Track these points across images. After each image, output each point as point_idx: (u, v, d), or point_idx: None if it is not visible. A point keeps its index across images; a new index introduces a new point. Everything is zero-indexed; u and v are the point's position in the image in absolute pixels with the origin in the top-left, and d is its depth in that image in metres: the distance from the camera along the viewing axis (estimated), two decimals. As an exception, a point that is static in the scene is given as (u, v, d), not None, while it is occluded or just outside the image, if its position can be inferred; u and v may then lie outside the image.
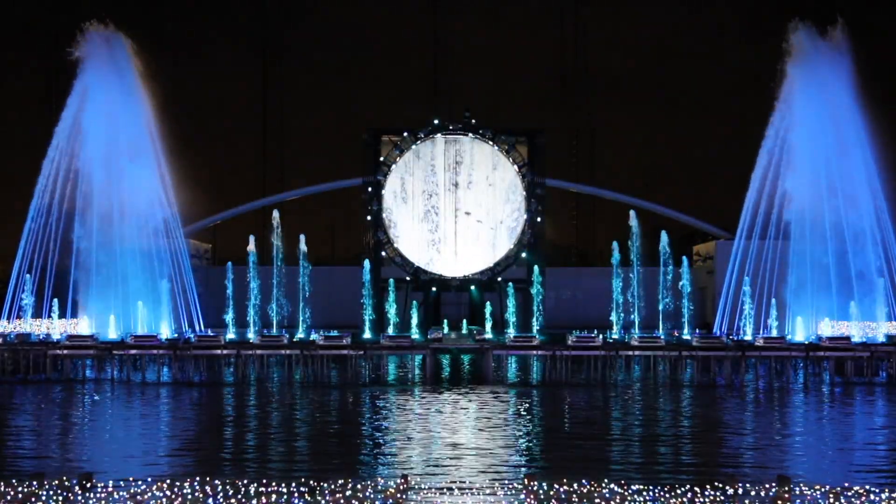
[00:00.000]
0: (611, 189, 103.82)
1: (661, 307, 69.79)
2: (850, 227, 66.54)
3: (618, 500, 21.58)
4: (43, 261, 66.79)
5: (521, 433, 39.18)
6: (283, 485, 22.12)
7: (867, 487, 21.97)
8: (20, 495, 21.23)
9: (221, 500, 21.44)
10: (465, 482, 26.44)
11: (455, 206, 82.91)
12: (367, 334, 68.54)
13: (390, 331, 67.88)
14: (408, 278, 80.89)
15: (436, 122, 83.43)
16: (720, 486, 22.13)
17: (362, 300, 72.35)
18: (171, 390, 52.99)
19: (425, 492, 23.20)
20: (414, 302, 74.61)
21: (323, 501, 21.28)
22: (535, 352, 59.06)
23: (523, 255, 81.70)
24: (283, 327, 66.94)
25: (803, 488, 22.46)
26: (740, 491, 22.15)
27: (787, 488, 22.19)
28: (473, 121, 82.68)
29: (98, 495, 21.67)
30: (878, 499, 21.34)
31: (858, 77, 66.90)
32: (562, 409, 47.44)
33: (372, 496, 21.78)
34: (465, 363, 67.31)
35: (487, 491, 23.77)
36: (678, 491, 21.89)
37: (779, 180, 68.51)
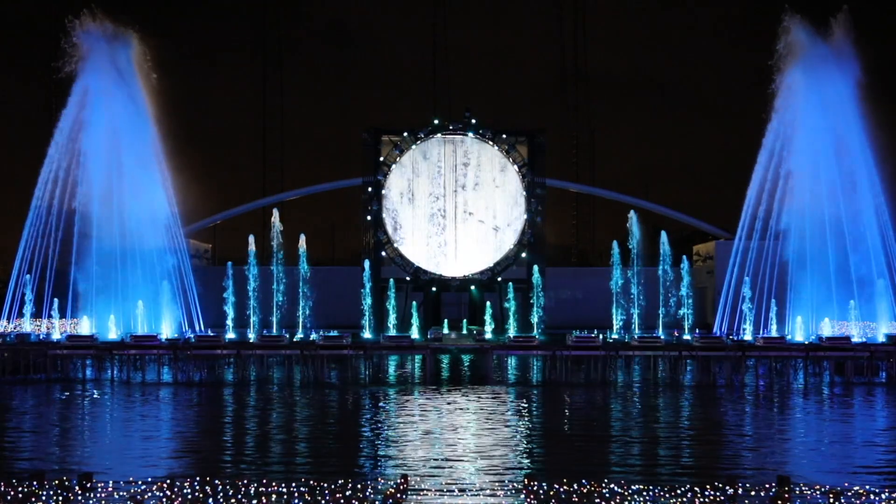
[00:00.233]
0: (611, 189, 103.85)
1: (660, 307, 69.80)
2: (850, 227, 66.54)
3: (618, 500, 21.59)
4: (43, 261, 66.80)
5: (520, 433, 39.18)
6: (283, 485, 22.14)
7: (867, 488, 21.99)
8: (20, 495, 21.24)
9: (221, 500, 21.44)
10: (464, 482, 26.44)
11: (462, 209, 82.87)
12: (367, 334, 68.55)
13: (390, 331, 67.87)
14: (408, 278, 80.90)
15: (436, 122, 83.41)
16: (720, 486, 22.14)
17: (362, 300, 72.38)
18: (171, 390, 52.99)
19: (425, 492, 23.22)
20: (414, 302, 74.61)
21: (323, 501, 21.29)
22: (535, 352, 59.06)
23: (523, 255, 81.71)
24: (283, 327, 66.94)
25: (803, 488, 22.47)
26: (740, 491, 22.16)
27: (787, 488, 22.21)
28: (474, 121, 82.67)
29: (98, 495, 21.69)
30: (877, 499, 21.35)
31: (859, 73, 66.89)
32: (562, 409, 47.45)
33: (372, 496, 21.79)
34: (465, 363, 67.32)
35: (487, 491, 23.78)
36: (678, 491, 21.91)
37: (779, 180, 68.53)
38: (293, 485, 22.09)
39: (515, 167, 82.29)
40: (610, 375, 56.94)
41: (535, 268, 74.78)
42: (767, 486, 22.51)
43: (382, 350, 58.78)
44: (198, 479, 22.15)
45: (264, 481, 22.42)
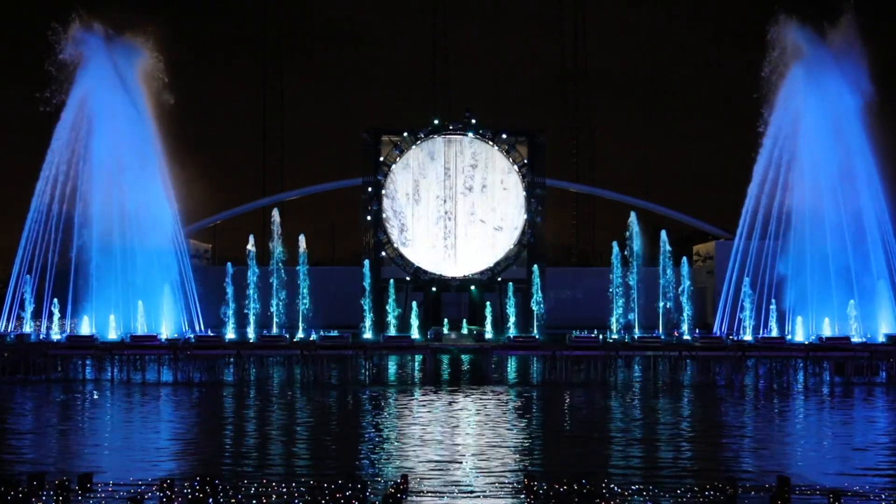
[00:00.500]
0: (611, 189, 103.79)
1: (660, 307, 69.79)
2: (850, 226, 66.54)
3: (618, 501, 21.60)
4: (43, 261, 66.78)
5: (520, 433, 39.17)
6: (283, 485, 22.15)
7: (867, 488, 21.99)
8: (20, 496, 21.25)
9: (221, 500, 21.45)
10: (464, 483, 26.44)
11: (466, 210, 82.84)
12: (368, 334, 68.52)
13: (390, 331, 67.85)
14: (407, 278, 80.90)
15: (436, 122, 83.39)
16: (720, 486, 22.15)
17: (362, 300, 72.34)
18: (171, 390, 52.98)
19: (425, 492, 23.22)
20: (414, 302, 74.60)
21: (323, 502, 21.30)
22: (535, 352, 59.06)
23: (523, 255, 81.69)
24: (283, 327, 66.92)
25: (803, 489, 22.48)
26: (740, 491, 22.17)
27: (786, 488, 22.21)
28: (474, 121, 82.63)
29: (98, 495, 21.69)
30: (877, 499, 21.36)
31: (859, 73, 66.88)
32: (562, 409, 47.45)
33: (372, 496, 21.80)
34: (465, 363, 67.32)
35: (487, 491, 23.78)
36: (678, 491, 21.92)
37: (779, 180, 68.52)
38: (293, 485, 22.10)
39: (515, 167, 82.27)
40: (610, 375, 56.94)
41: (535, 268, 74.78)
42: (767, 486, 22.51)
43: (382, 350, 58.78)
44: (198, 479, 22.15)
45: (264, 481, 22.43)
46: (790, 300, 66.60)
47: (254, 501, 21.38)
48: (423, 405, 46.21)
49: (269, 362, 59.53)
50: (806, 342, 61.29)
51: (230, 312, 67.26)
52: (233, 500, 21.41)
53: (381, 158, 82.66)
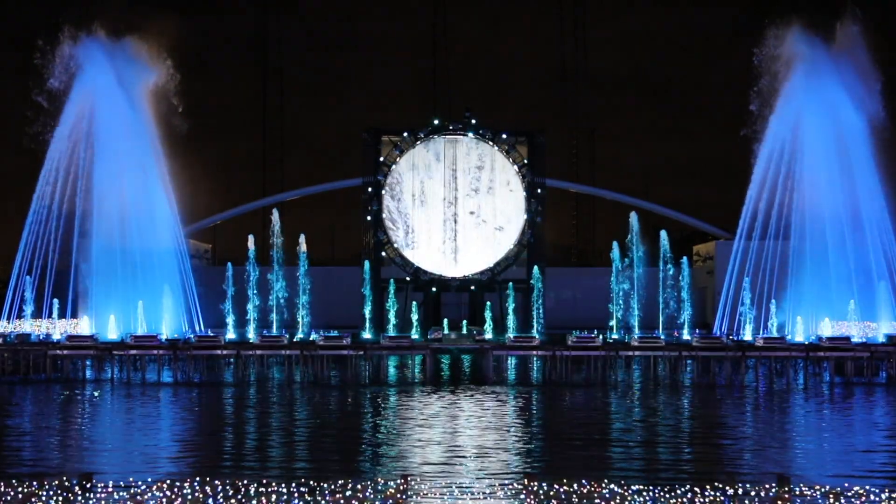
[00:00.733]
0: (611, 189, 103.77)
1: (660, 307, 69.79)
2: (851, 227, 66.59)
3: (618, 501, 21.60)
4: (43, 261, 66.79)
5: (520, 434, 39.18)
6: (283, 485, 22.14)
7: (867, 488, 21.98)
8: (20, 495, 21.24)
9: (221, 500, 21.45)
10: (464, 483, 26.44)
11: (468, 210, 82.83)
12: (368, 334, 68.52)
13: (390, 331, 67.87)
14: (408, 278, 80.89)
15: (436, 122, 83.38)
16: (720, 486, 22.14)
17: (362, 300, 72.30)
18: (171, 390, 53.00)
19: (425, 492, 23.21)
20: (414, 302, 74.59)
21: (323, 501, 21.29)
22: (535, 352, 59.07)
23: (523, 255, 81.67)
24: (283, 327, 66.92)
25: (803, 488, 22.46)
26: (740, 491, 22.16)
27: (787, 488, 22.20)
28: (474, 121, 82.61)
29: (98, 495, 21.68)
30: (877, 499, 21.35)
31: (860, 72, 66.94)
32: (562, 409, 47.46)
33: (372, 496, 21.78)
34: (465, 363, 67.32)
35: (487, 491, 23.77)
36: (678, 491, 21.90)
37: (779, 180, 68.57)
38: (293, 485, 22.09)
39: (515, 167, 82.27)
40: (610, 376, 56.95)
41: (535, 268, 74.78)
42: (767, 486, 22.50)
43: (382, 350, 58.79)
44: (198, 479, 22.14)
45: (264, 481, 22.41)
46: (793, 301, 66.67)
47: (254, 501, 21.38)
48: (423, 405, 46.23)
49: (269, 362, 59.53)
50: (806, 342, 61.30)
51: (230, 312, 67.26)
52: (233, 501, 21.39)
53: (381, 158, 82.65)
